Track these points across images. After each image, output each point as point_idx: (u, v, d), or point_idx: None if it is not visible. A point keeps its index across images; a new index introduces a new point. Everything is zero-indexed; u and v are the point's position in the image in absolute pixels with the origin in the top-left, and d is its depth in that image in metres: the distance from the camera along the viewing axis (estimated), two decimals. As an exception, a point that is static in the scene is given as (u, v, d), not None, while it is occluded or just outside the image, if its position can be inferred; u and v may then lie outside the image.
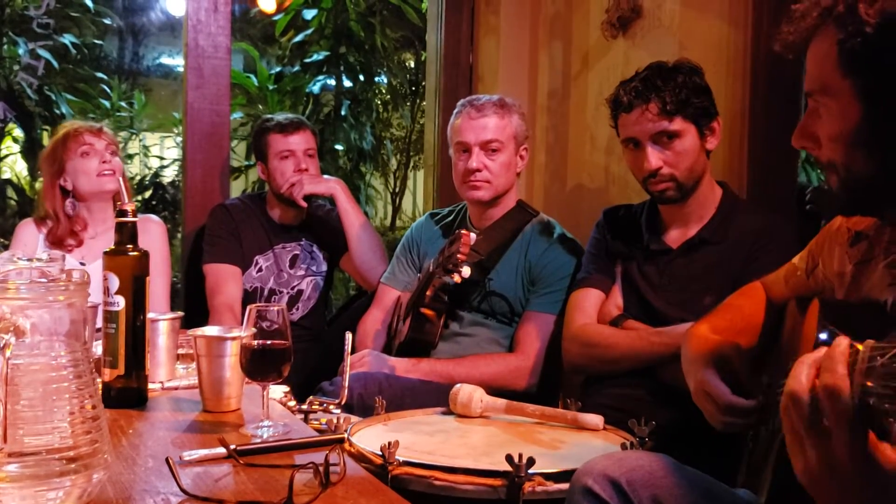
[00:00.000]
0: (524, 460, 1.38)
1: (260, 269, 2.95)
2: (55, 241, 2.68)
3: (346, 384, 1.70)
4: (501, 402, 1.83)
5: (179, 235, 3.79)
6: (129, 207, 1.54)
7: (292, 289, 2.97)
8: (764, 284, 1.62)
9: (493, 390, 1.91)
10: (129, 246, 1.52)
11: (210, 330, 1.57)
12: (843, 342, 0.82)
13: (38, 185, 2.80)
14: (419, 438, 1.64)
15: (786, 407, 0.88)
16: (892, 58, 1.10)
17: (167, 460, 1.12)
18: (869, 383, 0.78)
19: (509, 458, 1.38)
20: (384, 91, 7.26)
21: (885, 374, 0.76)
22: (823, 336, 1.20)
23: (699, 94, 2.02)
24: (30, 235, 2.72)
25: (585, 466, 1.27)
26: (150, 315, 1.57)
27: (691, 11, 2.49)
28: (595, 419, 1.73)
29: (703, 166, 2.06)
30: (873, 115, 1.13)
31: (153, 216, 2.92)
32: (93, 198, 2.71)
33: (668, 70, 2.03)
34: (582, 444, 1.65)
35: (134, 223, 1.54)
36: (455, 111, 2.51)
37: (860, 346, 0.81)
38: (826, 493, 0.86)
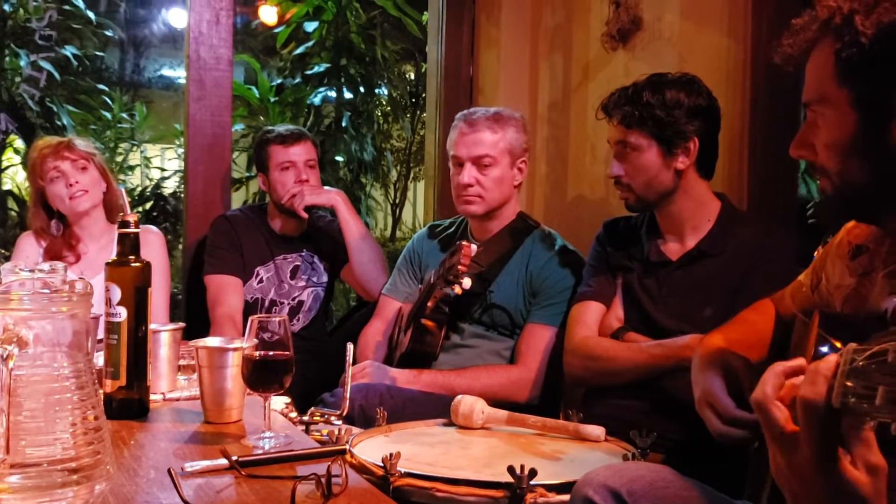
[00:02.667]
0: (526, 471, 1.38)
1: (261, 280, 2.95)
2: (53, 257, 2.69)
3: (348, 395, 1.69)
4: (503, 413, 1.83)
5: (181, 246, 3.80)
6: (132, 219, 1.55)
7: (293, 300, 2.97)
8: (773, 301, 1.63)
9: (495, 402, 1.90)
10: (131, 257, 1.53)
11: (212, 341, 1.57)
12: (831, 359, 0.84)
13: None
14: (421, 450, 1.64)
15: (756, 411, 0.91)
16: (886, 68, 1.13)
17: (169, 471, 1.12)
18: (849, 384, 0.80)
19: (511, 470, 1.38)
20: (385, 103, 7.29)
21: (864, 374, 0.79)
22: (824, 349, 1.20)
23: (673, 112, 2.00)
24: (30, 248, 2.74)
25: (586, 477, 1.27)
26: (151, 326, 1.57)
27: (691, 24, 2.51)
28: (597, 430, 1.73)
29: (668, 183, 2.05)
30: (868, 124, 1.16)
31: (152, 227, 2.92)
32: (74, 218, 2.72)
33: (645, 85, 2.04)
34: (584, 456, 1.64)
35: (136, 234, 1.54)
36: (453, 124, 2.51)
37: (842, 349, 0.83)
38: (791, 493, 0.89)
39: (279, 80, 6.62)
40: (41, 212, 2.73)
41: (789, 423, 0.87)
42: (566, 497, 1.35)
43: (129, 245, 1.53)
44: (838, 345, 0.85)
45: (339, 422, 1.70)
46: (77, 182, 2.67)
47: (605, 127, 2.18)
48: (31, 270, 1.46)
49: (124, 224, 1.54)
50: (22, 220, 5.54)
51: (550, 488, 1.40)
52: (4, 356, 0.92)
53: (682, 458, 1.77)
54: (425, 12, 4.62)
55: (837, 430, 0.82)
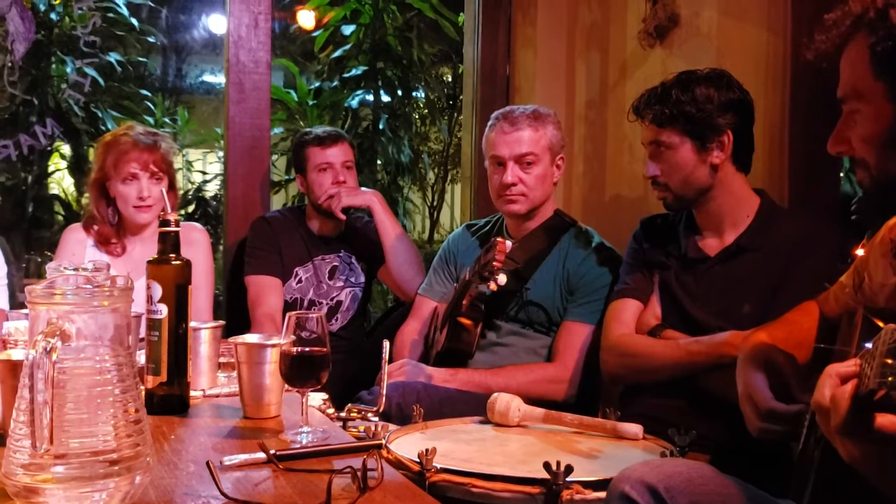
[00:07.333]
0: (562, 468, 1.37)
1: (300, 281, 2.97)
2: (101, 241, 2.67)
3: (384, 391, 1.70)
4: (539, 411, 1.83)
5: (222, 248, 3.84)
6: (172, 217, 1.57)
7: (331, 300, 2.99)
8: (818, 302, 1.61)
9: (532, 401, 1.90)
10: (171, 255, 1.55)
11: (250, 337, 1.59)
12: (847, 387, 0.91)
13: (84, 200, 2.83)
14: (457, 446, 1.64)
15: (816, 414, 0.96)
16: None
17: (208, 464, 1.14)
18: (889, 361, 0.83)
19: (547, 466, 1.38)
20: (422, 105, 7.31)
21: None
22: (868, 346, 1.19)
23: (704, 107, 1.99)
24: (77, 241, 2.70)
25: (623, 473, 1.27)
26: (192, 324, 1.59)
27: (729, 19, 2.48)
28: (634, 428, 1.72)
29: (705, 179, 2.04)
30: None
31: (197, 224, 2.90)
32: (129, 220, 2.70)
33: (674, 83, 2.03)
34: (621, 454, 1.63)
35: (177, 233, 1.57)
36: (489, 123, 2.50)
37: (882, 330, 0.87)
38: (873, 476, 0.94)
39: (317, 84, 6.68)
40: (101, 192, 2.66)
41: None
42: (602, 494, 1.34)
43: (169, 243, 1.56)
44: (881, 324, 0.88)
45: (376, 418, 1.71)
46: (149, 196, 2.60)
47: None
48: (76, 269, 1.49)
49: (165, 223, 1.57)
50: (68, 222, 5.64)
51: (587, 485, 1.40)
52: (48, 349, 0.94)
53: (722, 456, 1.76)
54: (462, 13, 4.62)
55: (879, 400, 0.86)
